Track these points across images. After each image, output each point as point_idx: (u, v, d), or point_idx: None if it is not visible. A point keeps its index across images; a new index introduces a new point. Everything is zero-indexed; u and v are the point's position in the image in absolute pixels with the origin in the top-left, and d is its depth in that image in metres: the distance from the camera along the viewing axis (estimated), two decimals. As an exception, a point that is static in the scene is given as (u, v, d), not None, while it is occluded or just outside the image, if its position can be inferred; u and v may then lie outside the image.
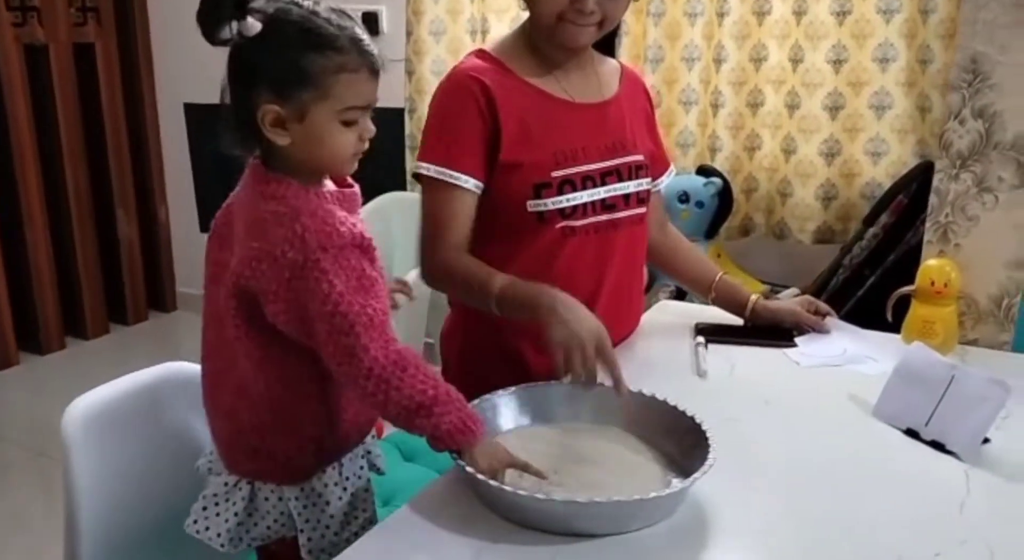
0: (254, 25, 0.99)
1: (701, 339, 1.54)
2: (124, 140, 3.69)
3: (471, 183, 1.35)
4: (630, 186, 1.44)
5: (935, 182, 1.53)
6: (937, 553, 0.98)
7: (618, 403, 1.18)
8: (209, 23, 0.97)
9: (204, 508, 1.16)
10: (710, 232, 2.73)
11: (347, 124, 1.03)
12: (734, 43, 2.65)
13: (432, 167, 1.34)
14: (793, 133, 2.64)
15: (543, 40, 1.39)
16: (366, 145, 1.08)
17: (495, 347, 1.42)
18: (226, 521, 1.14)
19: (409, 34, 3.00)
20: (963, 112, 1.49)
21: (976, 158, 1.50)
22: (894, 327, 1.56)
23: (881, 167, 2.55)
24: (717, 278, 1.63)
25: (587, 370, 1.16)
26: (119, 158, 3.68)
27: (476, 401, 1.14)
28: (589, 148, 1.40)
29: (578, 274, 1.40)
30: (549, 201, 1.36)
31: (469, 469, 1.01)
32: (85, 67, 3.51)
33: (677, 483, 1.04)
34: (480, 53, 1.42)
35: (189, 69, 3.47)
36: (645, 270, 1.63)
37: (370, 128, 1.06)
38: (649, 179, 1.49)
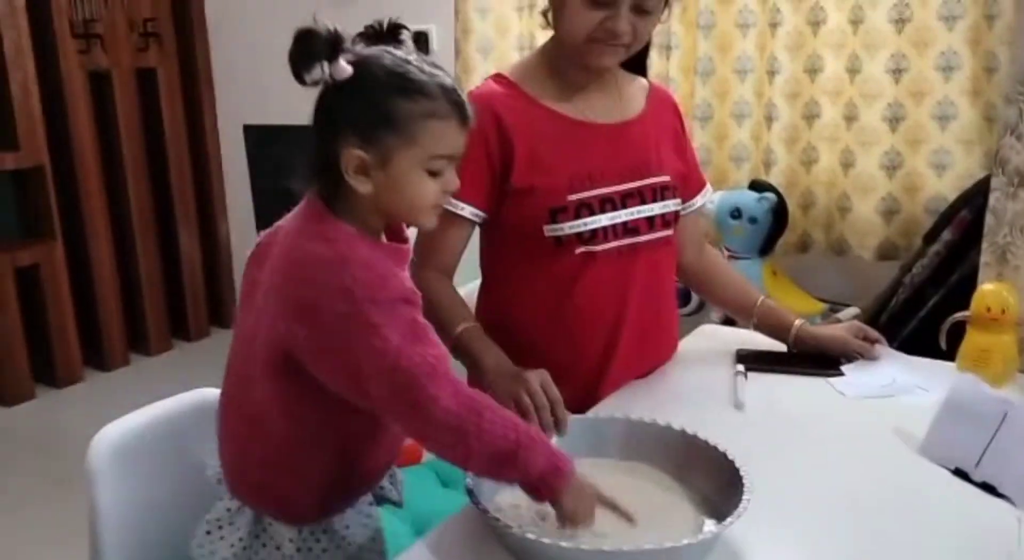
0: (345, 68, 0.96)
1: (741, 368, 1.48)
2: (186, 161, 3.77)
3: (468, 211, 1.34)
4: (654, 208, 1.39)
5: (991, 201, 1.45)
6: (979, 611, 0.91)
7: (647, 438, 1.15)
8: (301, 64, 0.95)
9: (208, 532, 1.13)
10: (764, 249, 2.64)
11: (432, 174, 1.00)
12: (788, 54, 2.57)
13: None
14: (851, 146, 2.54)
15: (567, 61, 1.36)
16: (448, 198, 1.05)
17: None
18: (231, 546, 1.11)
19: (458, 52, 3.00)
20: (1020, 126, 1.40)
21: (1035, 175, 1.41)
22: (949, 355, 1.47)
23: (946, 180, 2.43)
24: (758, 302, 1.56)
25: (543, 403, 1.14)
26: (181, 178, 3.76)
27: None
28: (608, 170, 1.36)
29: (600, 299, 1.36)
30: (566, 225, 1.33)
31: (488, 511, 0.97)
32: (147, 91, 3.60)
33: (709, 528, 0.99)
34: (497, 77, 1.41)
35: (248, 92, 3.54)
36: (677, 293, 1.57)
37: (454, 181, 1.03)
38: (677, 200, 1.44)
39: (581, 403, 1.31)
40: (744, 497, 0.98)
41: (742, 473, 1.03)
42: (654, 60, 2.72)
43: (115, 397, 3.33)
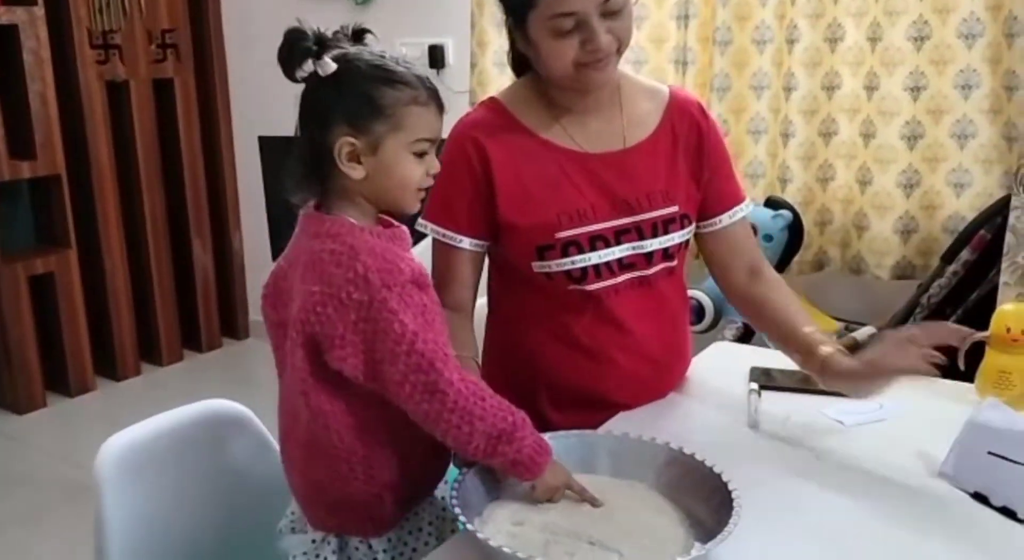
0: (330, 64, 1.04)
1: (754, 386, 1.45)
2: (200, 171, 3.78)
3: (467, 242, 1.32)
4: (653, 244, 1.31)
5: (1011, 220, 1.43)
6: (1000, 641, 0.88)
7: (639, 455, 1.15)
8: (291, 60, 1.04)
9: None
10: (780, 266, 2.61)
11: (417, 156, 1.08)
12: (805, 71, 2.55)
13: (430, 226, 1.33)
14: (869, 163, 2.52)
15: (557, 89, 1.30)
16: (431, 181, 1.12)
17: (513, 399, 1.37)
18: None
19: (473, 66, 3.00)
20: (1042, 145, 1.38)
21: (1057, 195, 1.39)
22: (968, 376, 1.44)
23: (965, 199, 2.41)
24: (803, 336, 1.31)
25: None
26: (195, 188, 3.77)
27: None
28: (601, 205, 1.29)
29: (601, 333, 1.32)
30: (553, 264, 1.28)
31: (480, 536, 0.95)
32: (164, 102, 3.61)
33: (696, 551, 0.96)
34: (491, 102, 1.35)
35: (263, 103, 3.55)
36: (690, 310, 1.52)
37: (436, 164, 1.11)
38: (686, 230, 1.35)
39: (593, 425, 1.28)
40: (730, 522, 0.96)
41: (733, 496, 1.00)
42: (670, 75, 2.72)
43: (126, 407, 3.33)
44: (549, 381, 1.26)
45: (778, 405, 1.41)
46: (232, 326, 4.05)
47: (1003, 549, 1.04)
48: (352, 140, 1.05)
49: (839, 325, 2.57)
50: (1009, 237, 1.43)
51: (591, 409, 1.33)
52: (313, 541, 1.14)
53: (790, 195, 2.64)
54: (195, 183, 3.77)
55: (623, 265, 1.30)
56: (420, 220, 1.33)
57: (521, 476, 1.05)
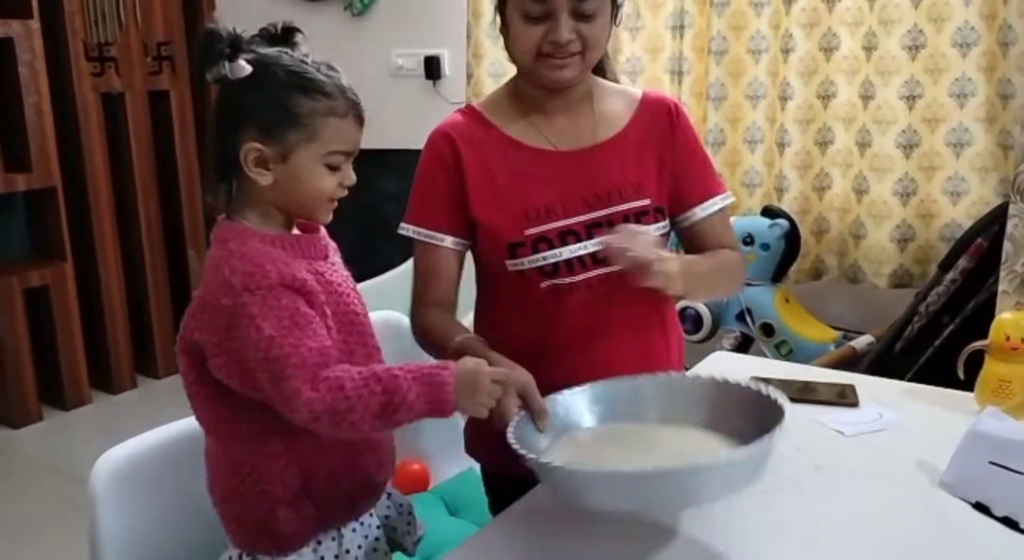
0: (244, 67, 1.01)
1: (754, 396, 1.44)
2: (196, 182, 3.77)
3: (449, 241, 1.32)
4: None
5: (1009, 228, 1.43)
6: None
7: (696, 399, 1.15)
8: (202, 62, 1.02)
9: None
10: (777, 276, 2.62)
11: (330, 168, 1.04)
12: (800, 80, 2.56)
13: (410, 227, 1.34)
14: (865, 172, 2.53)
15: (527, 84, 1.33)
16: (346, 192, 1.08)
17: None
18: None
19: (469, 76, 3.00)
20: (1039, 153, 1.38)
21: (1055, 202, 1.39)
22: (967, 384, 1.44)
23: (961, 207, 2.41)
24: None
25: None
26: (191, 199, 3.76)
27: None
28: (571, 200, 1.29)
29: (580, 329, 1.31)
30: (525, 260, 1.28)
31: (538, 460, 0.97)
32: (160, 113, 3.61)
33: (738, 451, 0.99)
34: (466, 108, 1.39)
35: (258, 114, 3.55)
36: (683, 317, 1.51)
37: (351, 176, 1.07)
38: (662, 224, 1.35)
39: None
40: (784, 422, 0.98)
41: (779, 403, 1.02)
42: (666, 85, 2.73)
43: (122, 420, 3.31)
44: (536, 380, 1.25)
45: (778, 415, 1.40)
46: (228, 338, 4.04)
47: (1004, 558, 1.03)
48: (259, 147, 1.01)
49: (837, 334, 2.57)
50: (1007, 245, 1.43)
51: None
52: (230, 558, 1.11)
53: (787, 204, 2.64)
54: (191, 194, 3.76)
55: (596, 260, 1.29)
56: (402, 224, 1.34)
57: (438, 415, 0.99)
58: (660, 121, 1.37)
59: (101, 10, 3.38)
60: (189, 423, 1.32)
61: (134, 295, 3.65)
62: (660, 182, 1.36)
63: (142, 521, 1.24)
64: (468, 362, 1.01)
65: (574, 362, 1.31)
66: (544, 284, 1.29)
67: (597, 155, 1.33)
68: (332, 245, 1.14)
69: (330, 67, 1.06)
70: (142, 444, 1.28)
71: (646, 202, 1.33)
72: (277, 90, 1.01)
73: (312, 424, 0.97)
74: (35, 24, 3.12)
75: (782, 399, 1.05)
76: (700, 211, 1.39)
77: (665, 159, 1.37)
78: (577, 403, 1.17)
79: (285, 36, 1.06)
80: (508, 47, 1.30)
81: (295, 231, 1.10)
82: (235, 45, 1.01)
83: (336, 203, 1.08)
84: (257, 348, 0.96)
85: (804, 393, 1.47)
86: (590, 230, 1.29)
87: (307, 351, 0.97)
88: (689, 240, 1.43)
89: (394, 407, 0.96)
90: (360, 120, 1.06)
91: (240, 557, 1.10)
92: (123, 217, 3.57)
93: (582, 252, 1.29)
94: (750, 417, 1.07)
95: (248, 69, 1.01)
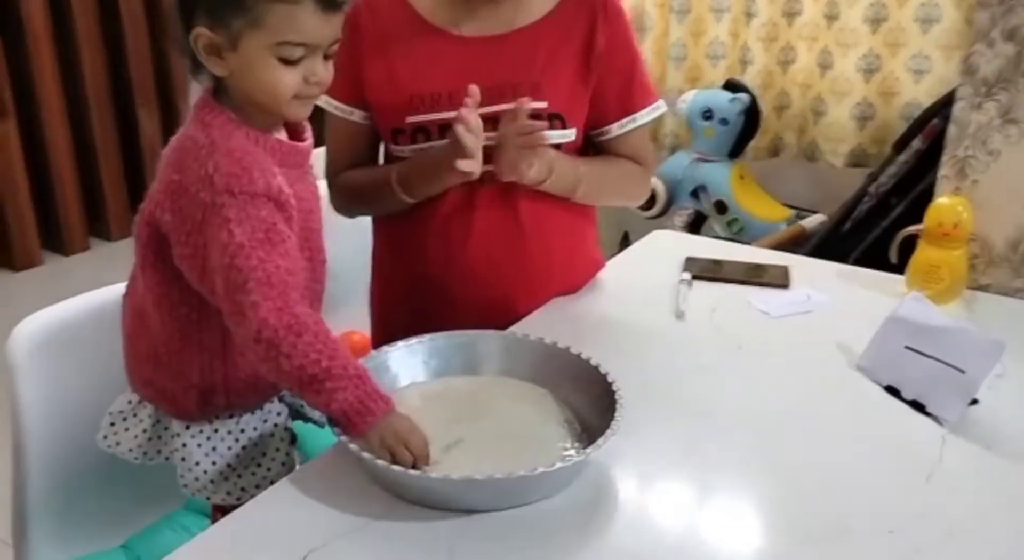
0: None
1: (687, 276, 1.44)
2: (143, 34, 3.58)
3: (358, 116, 1.27)
4: None
5: (955, 111, 1.39)
6: (891, 530, 0.91)
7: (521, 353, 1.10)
8: None
9: (112, 423, 1.13)
10: (734, 152, 2.58)
11: (285, 62, 0.95)
12: (770, -55, 2.44)
13: (324, 98, 1.24)
14: (831, 46, 2.46)
15: None
16: (315, 90, 0.99)
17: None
18: (135, 437, 1.11)
19: None
20: (992, 33, 1.33)
21: (1003, 86, 1.35)
22: (900, 268, 1.44)
23: (923, 86, 2.37)
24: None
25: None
26: (138, 53, 3.57)
27: (374, 353, 1.08)
28: (461, 91, 1.13)
29: (480, 236, 1.25)
30: (406, 149, 1.23)
31: (352, 446, 0.92)
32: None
33: (571, 457, 0.94)
34: None
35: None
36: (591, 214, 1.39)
37: (318, 72, 0.98)
38: (558, 133, 1.23)
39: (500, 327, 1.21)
40: (612, 425, 0.94)
41: (618, 400, 0.98)
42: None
43: (73, 282, 3.26)
44: (441, 291, 1.22)
45: (710, 296, 1.40)
46: (184, 201, 3.96)
47: (908, 440, 1.05)
48: (207, 32, 0.94)
49: (790, 212, 2.57)
50: (951, 128, 1.39)
51: (495, 314, 1.25)
52: (130, 402, 1.12)
53: (750, 77, 2.58)
54: (138, 48, 3.57)
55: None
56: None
57: (343, 432, 0.93)
58: (586, 19, 1.25)
59: None
60: (115, 290, 1.30)
61: (83, 155, 3.54)
62: (571, 88, 1.25)
63: (63, 389, 1.23)
64: (404, 421, 0.94)
65: (483, 263, 1.27)
66: None
67: (503, 45, 1.23)
68: (313, 151, 1.08)
69: None
70: (66, 311, 1.26)
71: (541, 105, 1.21)
72: None
73: (249, 342, 0.93)
74: None
75: (606, 369, 1.02)
76: (616, 129, 1.31)
77: (582, 66, 1.25)
78: (411, 358, 1.11)
79: None
80: None
81: (282, 133, 1.03)
82: None
83: (309, 101, 1.00)
84: (224, 252, 0.93)
85: (734, 273, 1.47)
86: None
87: (274, 268, 0.93)
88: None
89: (316, 389, 0.92)
90: (328, 8, 0.94)
91: (141, 402, 1.11)
92: (66, 72, 3.41)
93: None
94: (579, 383, 1.06)
95: None
